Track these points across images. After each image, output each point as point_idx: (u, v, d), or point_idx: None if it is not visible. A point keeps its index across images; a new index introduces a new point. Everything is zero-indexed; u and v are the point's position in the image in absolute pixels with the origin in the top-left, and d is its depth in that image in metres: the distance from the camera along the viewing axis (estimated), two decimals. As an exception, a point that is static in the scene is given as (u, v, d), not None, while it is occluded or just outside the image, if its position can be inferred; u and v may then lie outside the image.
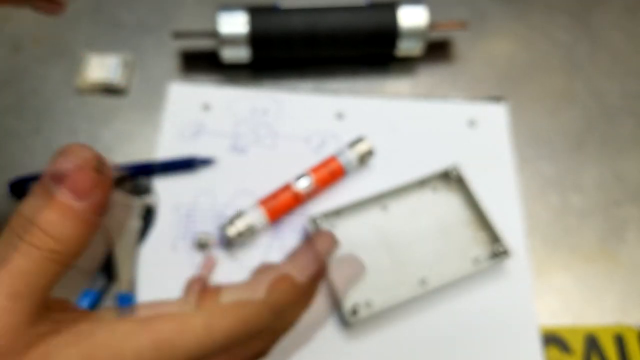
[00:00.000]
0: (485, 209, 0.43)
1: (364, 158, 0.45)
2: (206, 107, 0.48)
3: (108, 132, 0.48)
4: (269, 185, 0.44)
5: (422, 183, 0.45)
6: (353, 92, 0.50)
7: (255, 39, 0.48)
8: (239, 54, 0.49)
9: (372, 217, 0.44)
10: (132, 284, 0.41)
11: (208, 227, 0.43)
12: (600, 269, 0.44)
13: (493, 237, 0.42)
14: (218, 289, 0.27)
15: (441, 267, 0.41)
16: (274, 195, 0.43)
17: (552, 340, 0.41)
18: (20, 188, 0.44)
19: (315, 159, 0.45)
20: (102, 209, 0.24)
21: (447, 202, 0.44)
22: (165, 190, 0.44)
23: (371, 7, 0.49)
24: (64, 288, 0.24)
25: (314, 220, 0.42)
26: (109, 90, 0.49)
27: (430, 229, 0.43)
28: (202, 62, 0.51)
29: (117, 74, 0.49)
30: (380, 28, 0.48)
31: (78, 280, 0.30)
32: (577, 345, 0.41)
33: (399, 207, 0.44)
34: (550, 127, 0.49)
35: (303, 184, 0.43)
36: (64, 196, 0.22)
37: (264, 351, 0.29)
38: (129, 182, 0.44)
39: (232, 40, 0.48)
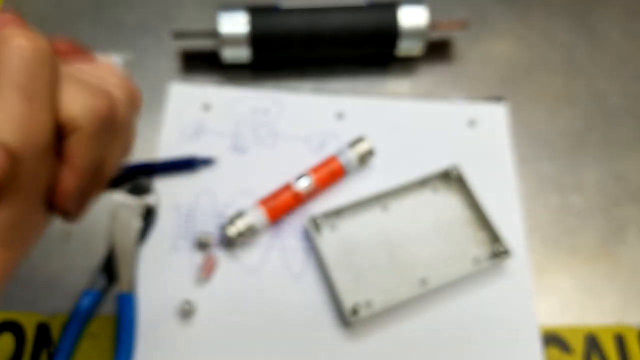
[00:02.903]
0: (485, 209, 0.43)
1: (364, 158, 0.45)
2: (206, 107, 0.48)
3: (108, 132, 0.48)
4: (269, 185, 0.44)
5: (422, 183, 0.45)
6: (353, 92, 0.50)
7: (256, 39, 0.48)
8: (239, 54, 0.49)
9: (373, 217, 0.44)
10: (132, 283, 0.41)
11: (208, 227, 0.43)
12: (600, 269, 0.44)
13: (493, 237, 0.42)
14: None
15: (441, 267, 0.42)
16: (274, 195, 0.43)
17: (552, 340, 0.41)
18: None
19: (315, 159, 0.45)
20: None
21: (447, 202, 0.44)
22: (166, 190, 0.44)
23: (371, 7, 0.49)
24: None
25: (314, 220, 0.42)
26: (109, 90, 0.49)
27: (430, 229, 0.43)
28: (203, 62, 0.51)
29: (117, 74, 0.49)
30: (381, 28, 0.48)
31: None
32: (577, 345, 0.41)
33: (399, 207, 0.44)
34: (550, 127, 0.49)
35: (303, 184, 0.43)
36: None
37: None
38: (129, 182, 0.44)
39: (232, 40, 0.48)
